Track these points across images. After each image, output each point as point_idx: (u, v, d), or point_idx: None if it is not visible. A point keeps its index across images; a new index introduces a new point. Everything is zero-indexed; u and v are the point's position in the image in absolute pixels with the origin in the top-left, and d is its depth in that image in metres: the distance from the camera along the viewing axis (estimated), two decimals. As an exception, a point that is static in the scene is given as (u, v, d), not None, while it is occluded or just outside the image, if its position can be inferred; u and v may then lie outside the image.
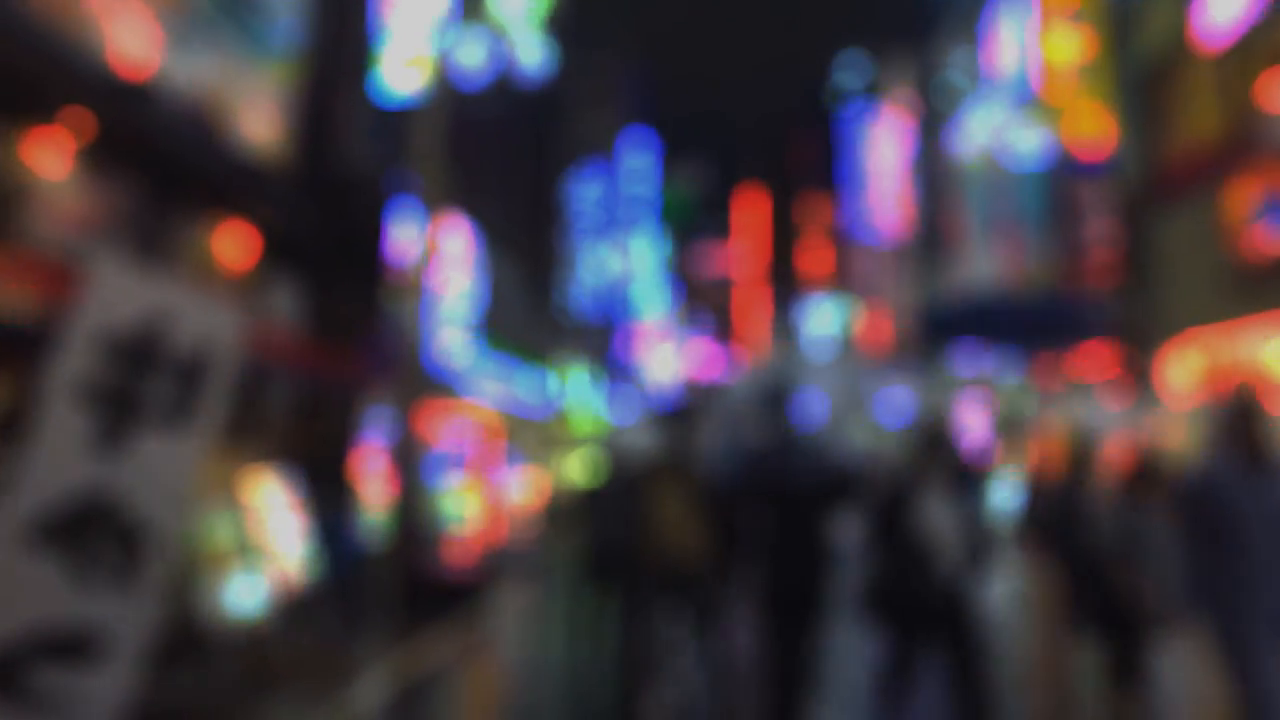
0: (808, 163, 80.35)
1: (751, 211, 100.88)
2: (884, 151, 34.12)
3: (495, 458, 12.46)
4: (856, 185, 40.03)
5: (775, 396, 4.77)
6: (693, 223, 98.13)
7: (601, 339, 35.07)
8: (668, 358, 63.93)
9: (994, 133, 18.27)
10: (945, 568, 4.01)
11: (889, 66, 34.84)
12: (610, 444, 10.92)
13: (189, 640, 4.92)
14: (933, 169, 28.80)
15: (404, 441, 8.50)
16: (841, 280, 50.26)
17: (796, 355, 24.70)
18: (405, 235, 11.42)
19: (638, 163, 46.64)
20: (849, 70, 40.01)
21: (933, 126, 29.54)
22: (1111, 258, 15.46)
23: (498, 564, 10.88)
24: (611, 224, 36.32)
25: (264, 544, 6.46)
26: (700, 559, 4.64)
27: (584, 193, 33.74)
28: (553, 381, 23.76)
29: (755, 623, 4.32)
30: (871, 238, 36.87)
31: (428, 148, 11.31)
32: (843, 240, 48.69)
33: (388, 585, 6.86)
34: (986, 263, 21.20)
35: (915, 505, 4.08)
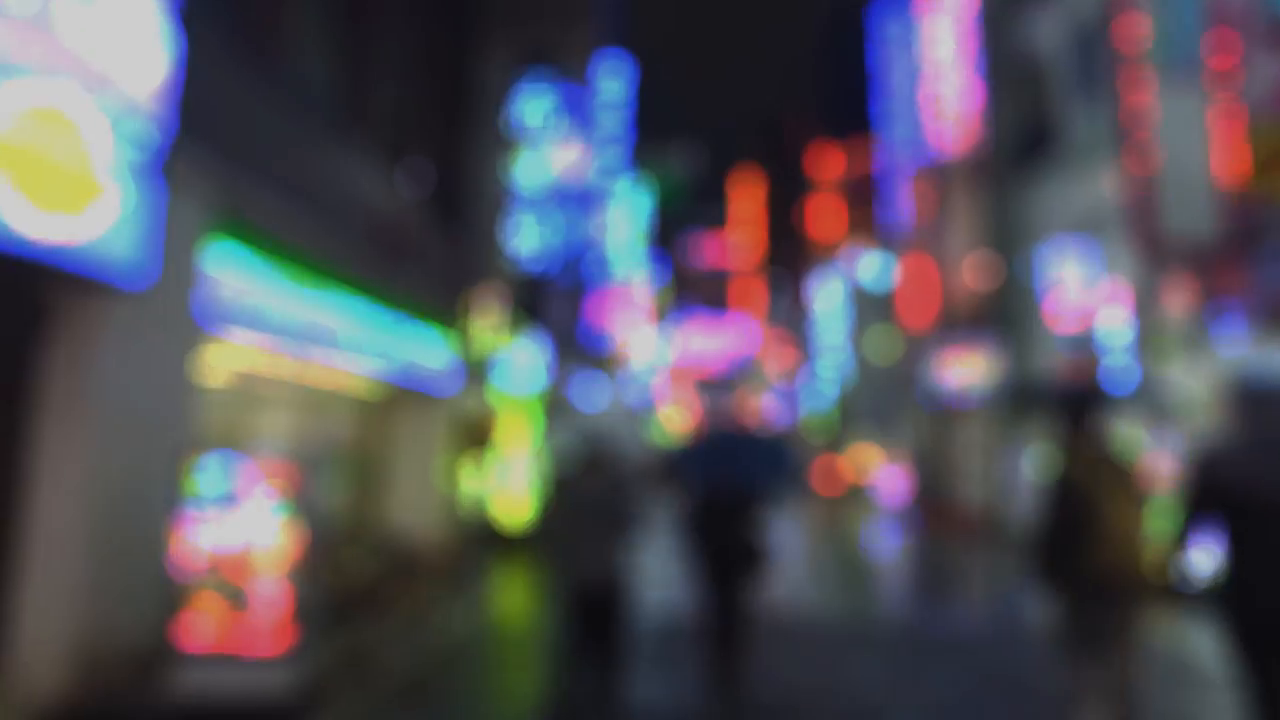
0: (810, 122, 72.33)
1: (749, 197, 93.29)
2: (940, 38, 24.80)
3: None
4: (897, 101, 30.67)
5: (1258, 393, 3.66)
6: (686, 211, 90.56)
7: (559, 300, 25.80)
8: (649, 336, 54.75)
9: None
10: None
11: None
12: (584, 433, 7.04)
13: None
14: (1018, 40, 19.43)
15: None
16: (868, 236, 41.26)
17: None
18: None
19: (612, 88, 37.49)
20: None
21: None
22: None
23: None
24: (568, 142, 26.98)
25: None
26: (1144, 570, 4.23)
27: (533, 103, 24.38)
28: (448, 340, 14.25)
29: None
30: (917, 161, 27.54)
31: None
32: (871, 185, 39.92)
33: None
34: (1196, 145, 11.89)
35: None
